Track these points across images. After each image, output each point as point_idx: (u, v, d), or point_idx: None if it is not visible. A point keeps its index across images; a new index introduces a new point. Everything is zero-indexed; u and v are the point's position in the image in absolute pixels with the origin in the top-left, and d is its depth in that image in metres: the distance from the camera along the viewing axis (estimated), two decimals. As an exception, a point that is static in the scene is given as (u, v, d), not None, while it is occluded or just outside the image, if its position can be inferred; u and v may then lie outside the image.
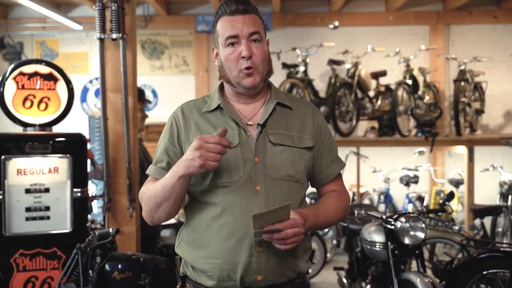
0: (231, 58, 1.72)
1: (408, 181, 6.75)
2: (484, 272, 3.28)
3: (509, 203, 6.19)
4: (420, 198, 7.23)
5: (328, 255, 5.69)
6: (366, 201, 7.30)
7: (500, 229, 6.22)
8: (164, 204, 1.69)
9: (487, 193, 7.29)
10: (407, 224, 3.20)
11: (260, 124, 1.75)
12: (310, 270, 5.02)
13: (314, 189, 1.94)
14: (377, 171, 7.02)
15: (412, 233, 3.20)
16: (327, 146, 1.87)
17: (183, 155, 1.67)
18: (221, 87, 1.86)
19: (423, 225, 3.20)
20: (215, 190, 1.71)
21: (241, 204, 1.67)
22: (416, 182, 6.78)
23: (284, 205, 1.58)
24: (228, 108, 1.78)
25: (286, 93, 1.91)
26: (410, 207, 6.71)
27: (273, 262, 1.68)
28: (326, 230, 6.40)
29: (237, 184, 1.68)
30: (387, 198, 6.87)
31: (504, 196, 6.41)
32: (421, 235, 3.19)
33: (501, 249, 3.38)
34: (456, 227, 5.38)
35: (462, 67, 6.59)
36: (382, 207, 6.95)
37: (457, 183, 6.79)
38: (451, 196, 3.53)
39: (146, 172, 1.84)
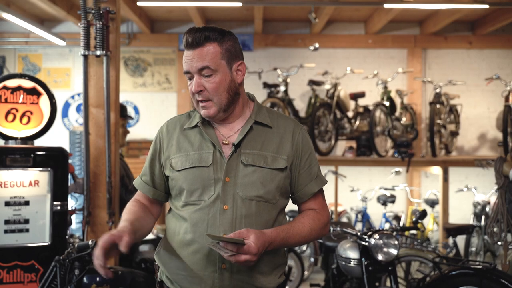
0: (189, 91, 1.79)
1: (385, 200, 6.86)
2: (455, 289, 3.37)
3: (482, 223, 6.34)
4: (397, 217, 7.34)
5: (306, 272, 5.74)
6: (344, 220, 7.37)
7: (473, 249, 6.35)
8: None
9: (461, 213, 7.44)
10: (381, 241, 3.28)
11: (234, 144, 1.78)
12: None
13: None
14: (355, 190, 7.11)
15: (385, 249, 3.28)
16: (305, 165, 1.87)
17: (165, 171, 1.83)
18: None
19: (396, 242, 3.29)
20: (187, 207, 1.77)
21: (208, 222, 1.72)
22: (393, 202, 6.90)
23: (239, 241, 1.58)
24: (205, 127, 1.82)
25: (269, 110, 1.91)
26: (387, 226, 6.78)
27: (237, 279, 1.73)
28: (304, 248, 6.46)
29: (207, 202, 1.74)
30: (365, 217, 6.95)
31: (477, 216, 6.56)
32: (394, 251, 3.28)
33: (471, 266, 3.48)
34: (432, 246, 5.49)
35: (438, 90, 6.77)
36: (359, 226, 7.03)
37: (432, 203, 6.93)
38: (423, 214, 3.64)
39: (133, 183, 1.94)
